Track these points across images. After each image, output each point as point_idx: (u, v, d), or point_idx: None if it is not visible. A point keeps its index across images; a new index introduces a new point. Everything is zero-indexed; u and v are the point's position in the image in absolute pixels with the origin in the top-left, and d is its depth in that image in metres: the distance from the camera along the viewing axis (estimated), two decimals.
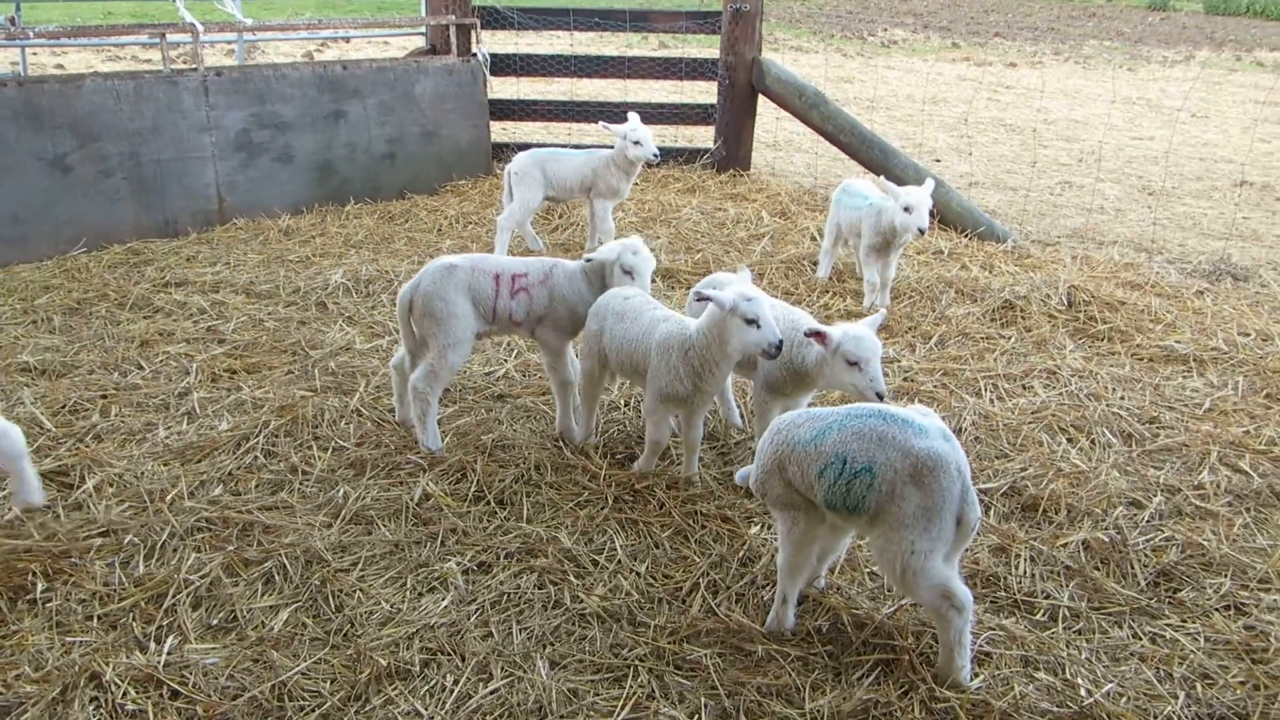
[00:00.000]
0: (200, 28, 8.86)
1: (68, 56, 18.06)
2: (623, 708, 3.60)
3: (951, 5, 41.87)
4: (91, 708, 3.54)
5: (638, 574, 4.35)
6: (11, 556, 4.28)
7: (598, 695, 3.68)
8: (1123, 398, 5.94)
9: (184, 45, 11.14)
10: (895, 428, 3.64)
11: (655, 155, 8.24)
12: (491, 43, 11.31)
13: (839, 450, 3.68)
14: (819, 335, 4.50)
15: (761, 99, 10.96)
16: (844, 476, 3.66)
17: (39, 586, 4.13)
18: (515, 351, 6.52)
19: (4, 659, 3.74)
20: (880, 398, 4.35)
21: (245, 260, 8.13)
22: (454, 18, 10.55)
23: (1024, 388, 6.10)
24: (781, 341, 4.44)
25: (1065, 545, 4.53)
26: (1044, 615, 4.14)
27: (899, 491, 3.58)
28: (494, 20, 11.03)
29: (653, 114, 11.35)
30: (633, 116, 8.35)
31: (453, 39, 10.64)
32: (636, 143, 8.19)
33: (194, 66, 8.96)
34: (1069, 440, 5.48)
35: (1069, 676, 3.77)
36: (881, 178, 7.94)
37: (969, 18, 36.42)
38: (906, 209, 6.80)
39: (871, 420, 3.70)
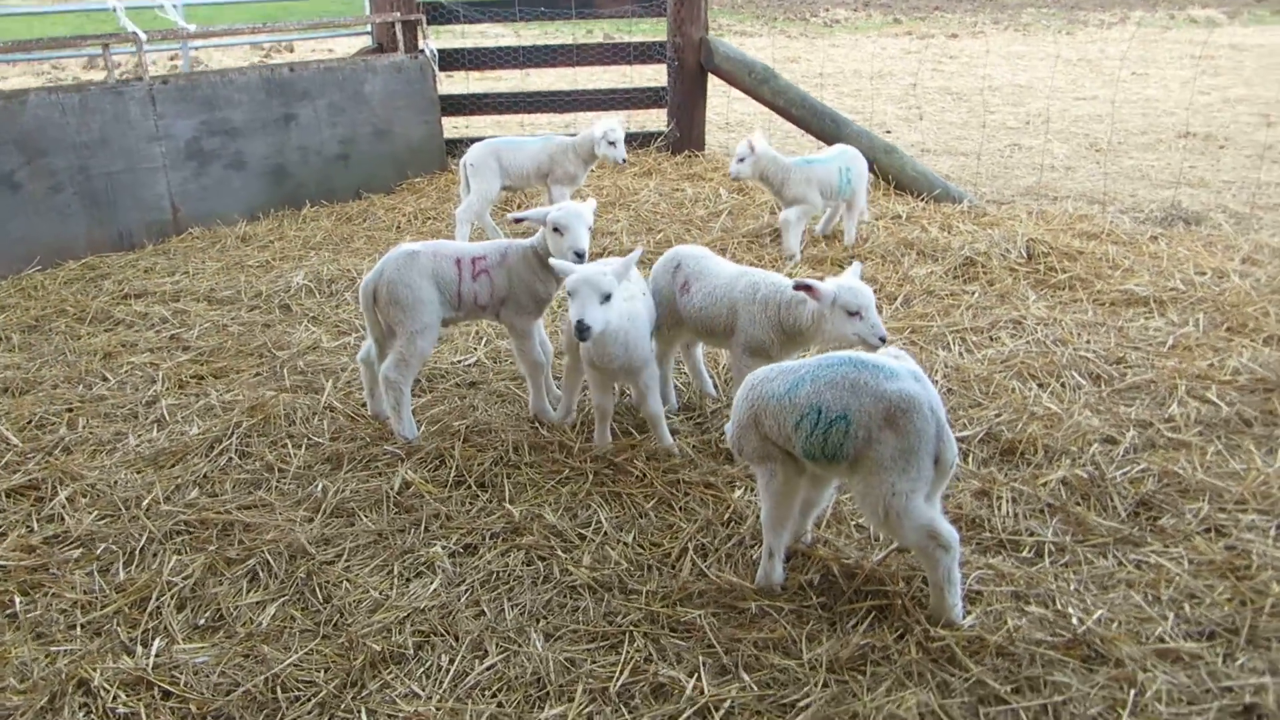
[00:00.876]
0: (143, 37, 8.74)
1: (7, 82, 17.76)
2: (622, 672, 3.59)
3: None
4: (82, 713, 3.49)
5: (625, 544, 4.34)
6: None
7: (595, 663, 3.67)
8: (1088, 341, 6.01)
9: (127, 55, 10.95)
10: (866, 373, 3.66)
11: (624, 159, 8.47)
12: (438, 38, 11.24)
13: (813, 401, 3.70)
14: (809, 289, 4.52)
15: (712, 79, 10.97)
16: (820, 426, 3.67)
17: (18, 601, 4.06)
18: (484, 339, 6.49)
19: None
20: (884, 341, 4.39)
21: (204, 268, 8.04)
22: (399, 14, 10.47)
23: (991, 339, 6.16)
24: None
25: (1045, 484, 4.58)
26: (1030, 552, 4.19)
27: (875, 436, 3.60)
28: (439, 15, 10.96)
29: (604, 100, 11.37)
30: (614, 119, 8.44)
31: (399, 36, 10.57)
32: (612, 143, 8.32)
33: (139, 76, 8.83)
34: (1040, 385, 5.54)
35: (1060, 607, 3.80)
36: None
37: None
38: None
39: (843, 368, 3.71)
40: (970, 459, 4.86)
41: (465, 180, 8.37)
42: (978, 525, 4.35)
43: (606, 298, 4.43)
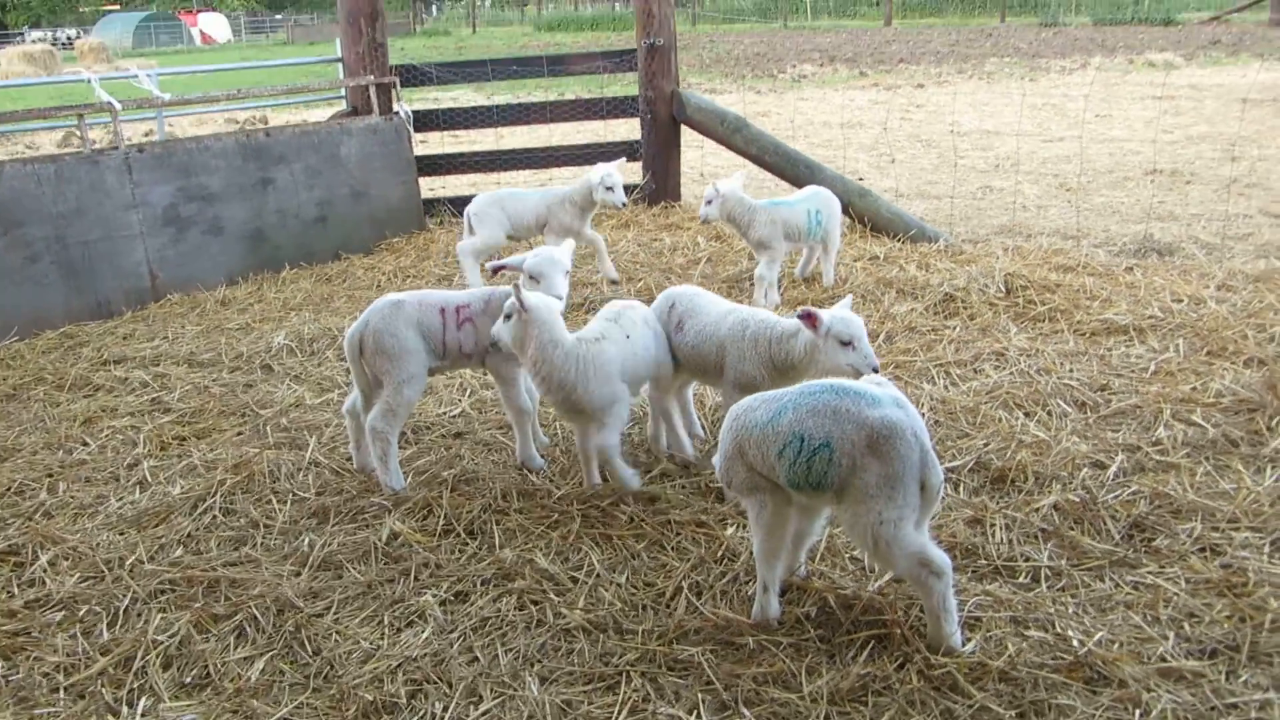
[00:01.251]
0: (119, 106, 8.78)
1: None
2: (620, 712, 3.53)
3: (853, 40, 42.94)
4: None
5: (618, 585, 4.29)
6: None
7: (592, 704, 3.61)
8: (1071, 370, 6.04)
9: (103, 126, 10.99)
10: (848, 400, 3.65)
11: (624, 203, 8.44)
12: (412, 102, 11.36)
13: (795, 429, 3.68)
14: (811, 317, 4.54)
15: (685, 131, 11.09)
16: (803, 454, 3.66)
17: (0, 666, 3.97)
18: (469, 390, 6.46)
19: None
20: (876, 371, 4.40)
21: (184, 332, 8.00)
22: (373, 78, 10.57)
23: (975, 371, 6.18)
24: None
25: (1037, 510, 4.56)
26: (1026, 577, 4.16)
27: (859, 463, 3.59)
28: (413, 77, 11.06)
29: (579, 155, 11.46)
30: (610, 166, 8.39)
31: (373, 99, 10.65)
32: (609, 189, 8.25)
33: (115, 145, 8.85)
34: (1026, 414, 5.55)
35: (1060, 630, 3.77)
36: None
37: (872, 49, 37.38)
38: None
39: (825, 395, 3.71)
40: (961, 488, 4.84)
41: (469, 228, 8.40)
42: (972, 553, 4.33)
43: (508, 316, 4.68)
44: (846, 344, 4.50)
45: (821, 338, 4.55)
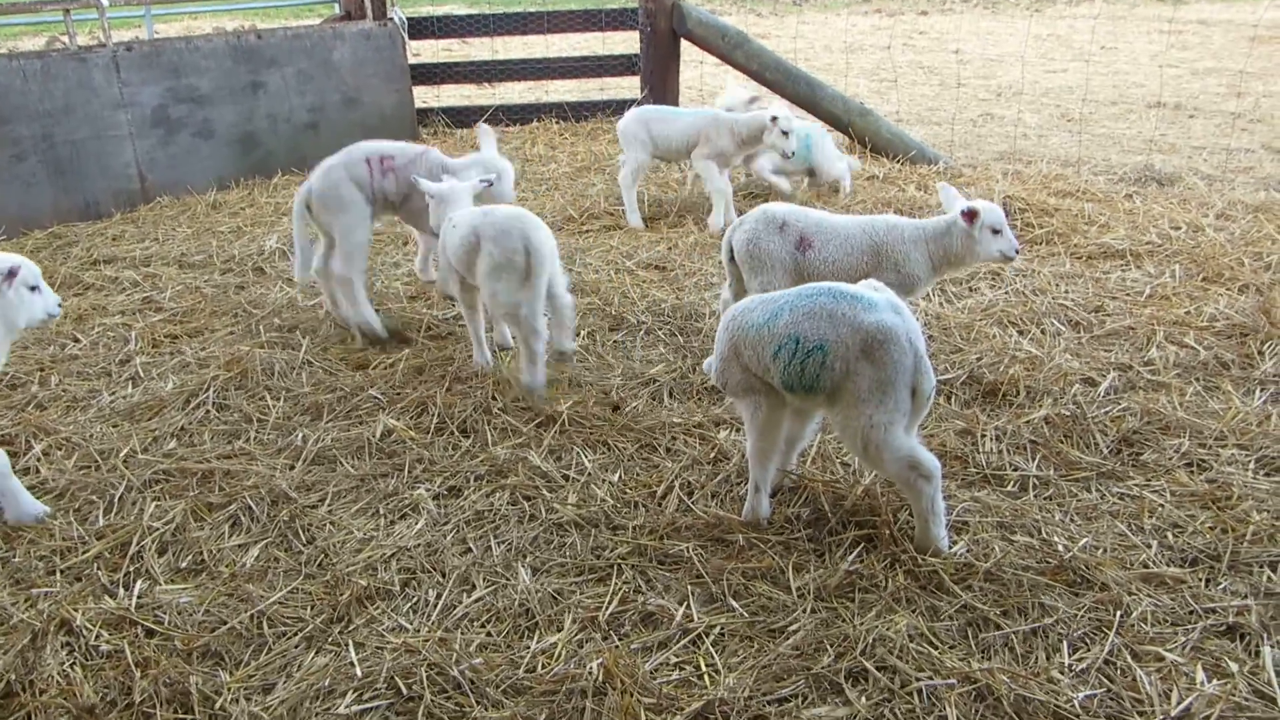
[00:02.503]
0: (106, 2, 8.59)
1: None
2: (610, 602, 3.58)
3: None
4: (65, 651, 3.43)
5: (610, 483, 4.32)
6: None
7: (583, 594, 3.66)
8: (1066, 291, 6.05)
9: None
10: (844, 304, 3.65)
11: (792, 153, 7.39)
12: (406, 7, 11.16)
13: (791, 331, 3.68)
14: (972, 214, 4.77)
15: (685, 46, 10.92)
16: (797, 357, 3.66)
17: None
18: None
19: None
20: (1018, 253, 4.81)
21: (174, 235, 7.93)
22: None
23: (970, 289, 6.18)
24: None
25: (1028, 422, 4.60)
26: (1015, 486, 4.20)
27: (852, 367, 3.60)
28: None
29: (576, 68, 11.33)
30: (785, 109, 7.77)
31: (367, 3, 10.45)
32: (785, 133, 7.27)
33: (102, 43, 8.68)
34: (1020, 331, 5.57)
35: (1046, 536, 3.83)
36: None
37: None
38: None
39: (821, 299, 3.70)
40: (953, 400, 4.87)
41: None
42: (962, 461, 4.37)
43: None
44: (997, 232, 4.77)
45: (976, 230, 4.78)
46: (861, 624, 3.39)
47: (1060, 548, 3.74)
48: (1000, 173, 8.76)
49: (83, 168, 8.48)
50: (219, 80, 9.31)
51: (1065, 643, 3.29)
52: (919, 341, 3.63)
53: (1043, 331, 5.55)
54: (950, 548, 3.74)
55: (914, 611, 3.46)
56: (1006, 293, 6.06)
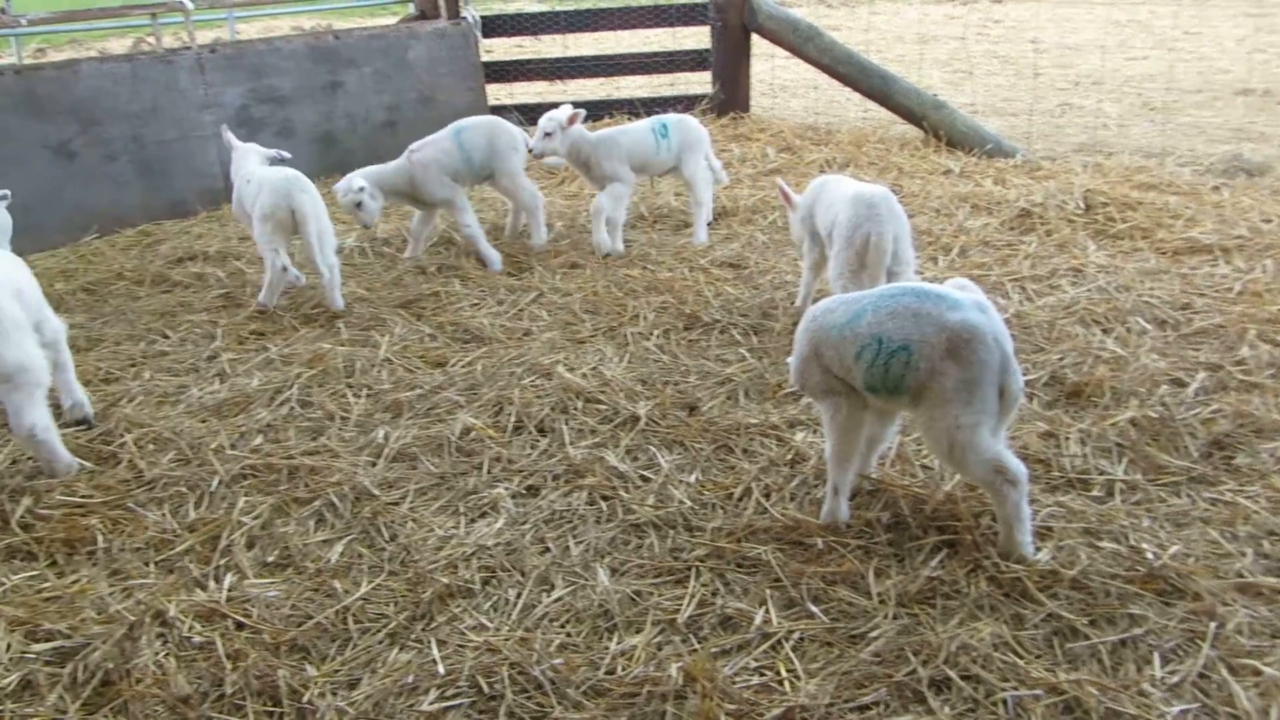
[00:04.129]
0: (190, 5, 8.80)
1: (55, 57, 17.97)
2: (689, 604, 3.58)
3: None
4: (159, 642, 3.53)
5: (687, 484, 4.33)
6: (71, 513, 4.28)
7: (661, 595, 3.67)
8: (1152, 288, 5.91)
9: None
10: (929, 304, 3.60)
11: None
12: (479, 6, 11.27)
13: (874, 331, 3.65)
14: None
15: (756, 41, 10.86)
16: (881, 357, 3.62)
17: (99, 540, 4.11)
18: (536, 293, 6.47)
19: (68, 606, 3.73)
20: None
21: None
22: None
23: (1051, 287, 6.06)
24: None
25: (1114, 424, 4.50)
26: (1100, 490, 4.12)
27: (938, 367, 3.54)
28: None
29: (647, 64, 11.32)
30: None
31: (441, 3, 10.56)
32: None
33: (187, 46, 8.89)
34: (1104, 330, 5.45)
35: (1134, 543, 3.74)
36: None
37: None
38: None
39: (905, 298, 3.66)
40: (1035, 401, 4.79)
41: None
42: (1045, 465, 4.30)
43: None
44: None
45: None
46: (944, 631, 3.35)
47: (1149, 555, 3.66)
48: (1080, 165, 8.59)
49: (170, 167, 8.69)
50: (299, 80, 9.48)
51: (1156, 655, 3.22)
52: (1006, 341, 3.58)
53: (1128, 330, 5.43)
54: (1035, 554, 3.68)
55: (998, 619, 3.41)
56: (1089, 290, 5.94)
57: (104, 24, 14.47)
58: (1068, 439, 4.44)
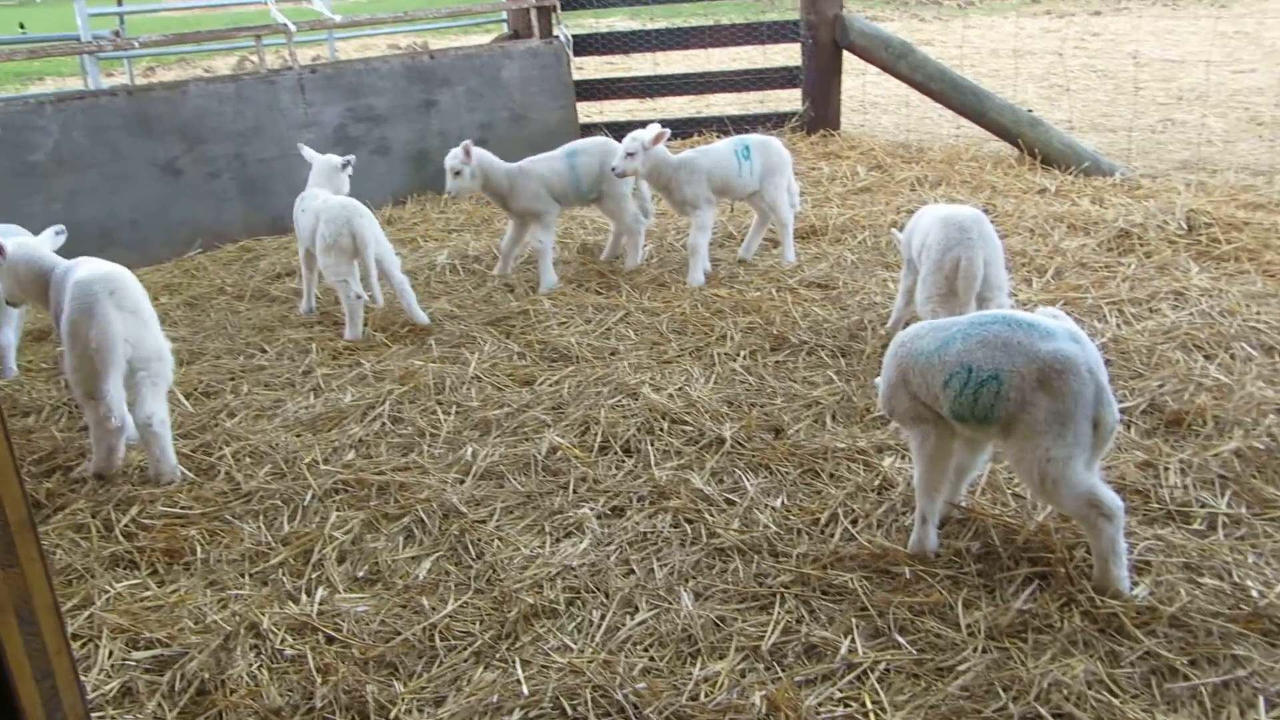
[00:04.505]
0: (293, 27, 9.06)
1: (164, 76, 18.64)
2: (773, 631, 3.56)
3: None
4: (253, 654, 3.63)
5: (773, 508, 4.31)
6: (172, 523, 4.43)
7: (746, 621, 3.65)
8: (1258, 313, 5.71)
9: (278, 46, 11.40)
10: (1020, 333, 3.54)
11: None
12: (571, 26, 11.37)
13: (963, 359, 3.59)
14: None
15: (847, 58, 10.79)
16: (970, 386, 3.57)
17: (198, 550, 4.24)
18: (624, 313, 6.51)
19: (167, 615, 3.85)
20: None
21: None
22: (534, 1, 10.60)
23: (1151, 310, 5.90)
24: None
25: (1216, 455, 4.36)
26: (1202, 524, 3.99)
27: (1028, 398, 3.47)
28: (573, 1, 11.06)
29: (737, 82, 11.33)
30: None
31: (534, 22, 10.71)
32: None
33: (289, 66, 9.15)
34: (1206, 356, 5.28)
35: (1238, 580, 3.62)
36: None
37: None
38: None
39: (995, 327, 3.60)
40: (1132, 430, 4.67)
41: None
42: (1143, 496, 4.18)
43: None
44: None
45: None
46: (1035, 667, 3.28)
47: (1254, 593, 3.53)
48: (1183, 183, 8.35)
49: (270, 184, 8.95)
50: (395, 99, 9.68)
51: (1262, 698, 3.10)
52: (1100, 372, 3.49)
53: (1232, 356, 5.25)
54: (1131, 589, 3.58)
55: (1092, 656, 3.33)
56: (1191, 314, 5.76)
57: (212, 45, 14.94)
58: (1167, 469, 4.31)
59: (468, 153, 6.97)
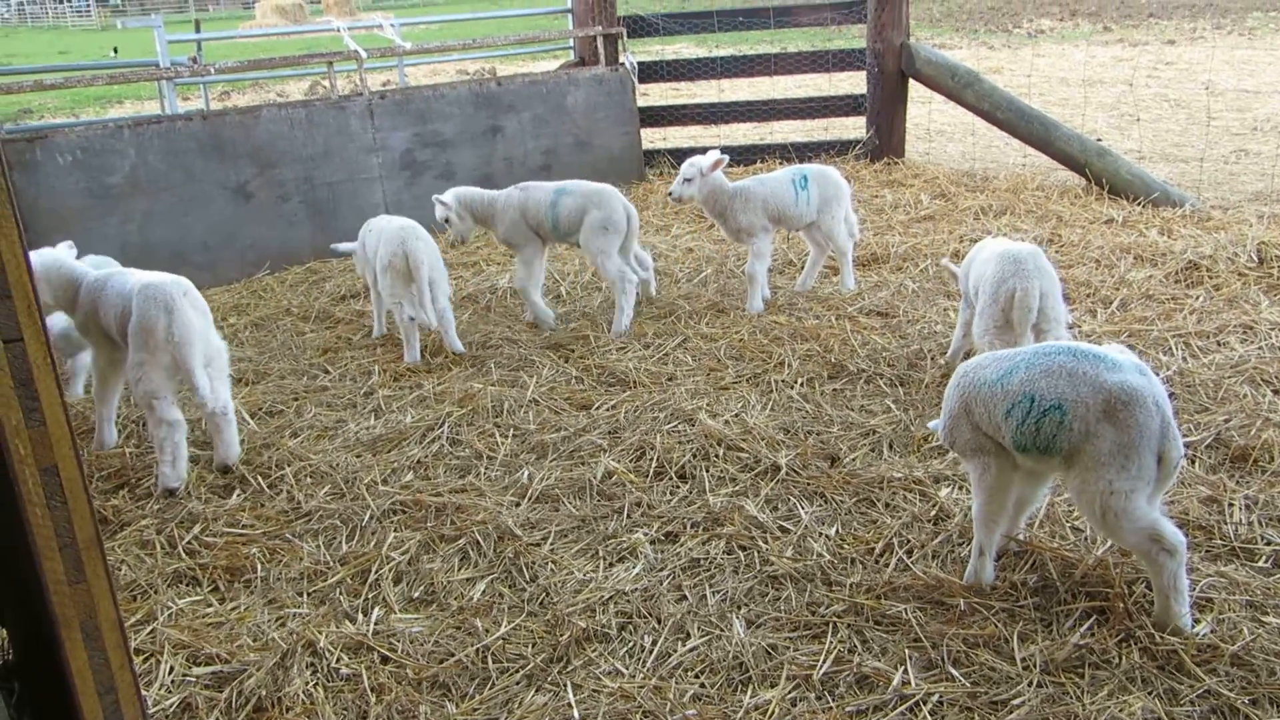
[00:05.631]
0: (364, 54, 9.26)
1: (238, 100, 19.15)
2: (825, 661, 3.54)
3: None
4: (309, 672, 3.69)
5: (827, 537, 4.29)
6: (233, 541, 4.52)
7: (797, 650, 3.63)
8: None
9: (350, 73, 11.66)
10: (1086, 364, 3.50)
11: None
12: (637, 53, 11.47)
13: (1026, 389, 3.56)
14: None
15: (913, 86, 10.76)
16: (1032, 415, 3.54)
17: (258, 568, 4.33)
18: (682, 338, 6.52)
19: (227, 632, 3.94)
20: None
21: None
22: (600, 28, 10.74)
23: (1219, 344, 5.79)
24: None
25: None
26: (1267, 561, 3.90)
27: (1093, 429, 3.44)
28: (639, 28, 11.18)
29: (801, 109, 11.34)
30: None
31: (600, 49, 10.83)
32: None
33: (359, 92, 9.35)
34: (1275, 391, 5.17)
35: None
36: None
37: (1119, 2, 35.05)
38: None
39: (1060, 357, 3.57)
40: (1197, 464, 4.58)
41: None
42: (1207, 532, 4.10)
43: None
44: None
45: None
46: (1092, 703, 3.22)
47: None
48: (1255, 215, 8.19)
49: (337, 208, 9.14)
50: (461, 125, 9.85)
51: None
52: (1166, 405, 3.44)
53: None
54: (1192, 626, 3.51)
55: (1150, 694, 3.26)
56: (1260, 348, 5.65)
57: (286, 71, 15.33)
58: (1232, 505, 4.22)
59: (442, 203, 7.04)
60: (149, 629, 3.96)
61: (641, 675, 3.57)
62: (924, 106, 12.76)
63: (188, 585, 4.29)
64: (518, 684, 3.59)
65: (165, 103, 10.59)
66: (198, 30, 11.40)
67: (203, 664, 3.75)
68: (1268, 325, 5.92)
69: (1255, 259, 6.87)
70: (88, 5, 55.93)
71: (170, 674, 3.70)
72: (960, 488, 4.53)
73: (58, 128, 9.12)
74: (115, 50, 24.35)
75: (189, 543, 4.55)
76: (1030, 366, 3.59)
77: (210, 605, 4.13)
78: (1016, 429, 3.59)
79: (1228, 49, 21.16)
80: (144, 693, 3.55)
